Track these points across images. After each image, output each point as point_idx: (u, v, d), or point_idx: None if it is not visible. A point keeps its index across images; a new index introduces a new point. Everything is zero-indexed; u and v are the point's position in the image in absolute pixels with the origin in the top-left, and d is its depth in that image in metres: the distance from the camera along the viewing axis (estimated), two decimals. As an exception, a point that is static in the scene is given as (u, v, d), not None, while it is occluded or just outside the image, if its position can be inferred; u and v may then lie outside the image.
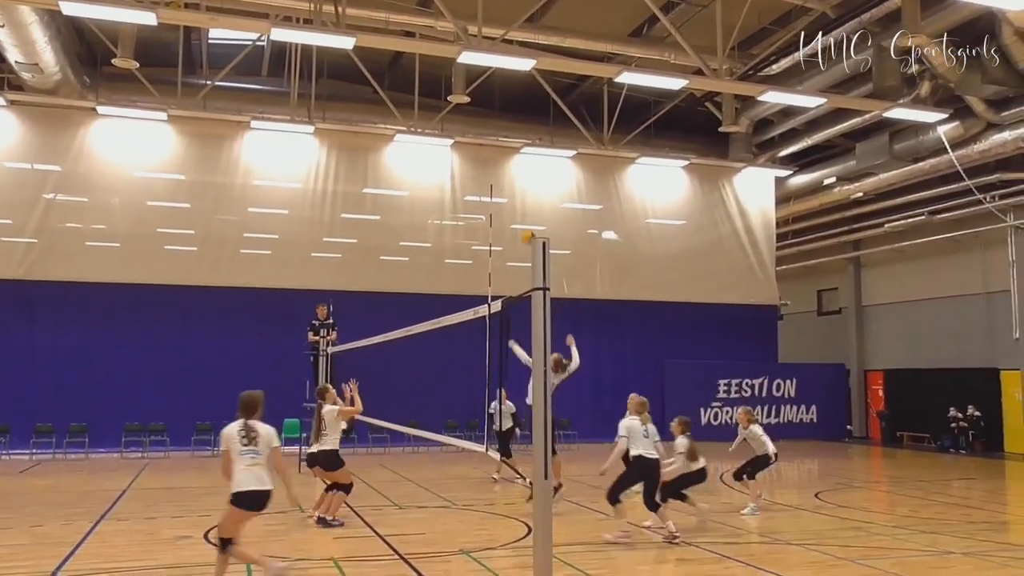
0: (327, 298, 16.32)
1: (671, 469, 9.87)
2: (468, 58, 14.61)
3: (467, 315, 7.43)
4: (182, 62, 18.91)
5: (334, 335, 15.38)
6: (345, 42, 13.86)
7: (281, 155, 20.46)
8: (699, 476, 10.09)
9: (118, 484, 13.58)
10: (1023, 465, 19.09)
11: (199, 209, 19.80)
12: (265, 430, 6.61)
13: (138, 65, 17.02)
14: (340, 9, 14.20)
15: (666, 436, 9.86)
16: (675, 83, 16.07)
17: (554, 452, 10.57)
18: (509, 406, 13.86)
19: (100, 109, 18.84)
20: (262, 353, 18.86)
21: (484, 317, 6.99)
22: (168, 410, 18.63)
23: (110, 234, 19.20)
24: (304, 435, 18.04)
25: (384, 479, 14.80)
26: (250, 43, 18.72)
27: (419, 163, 21.45)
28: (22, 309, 18.62)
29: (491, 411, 13.61)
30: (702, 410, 22.89)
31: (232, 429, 6.56)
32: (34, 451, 17.79)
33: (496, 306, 6.74)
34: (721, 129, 20.69)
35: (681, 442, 10.01)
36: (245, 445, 6.50)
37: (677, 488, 9.99)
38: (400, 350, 13.11)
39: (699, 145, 24.01)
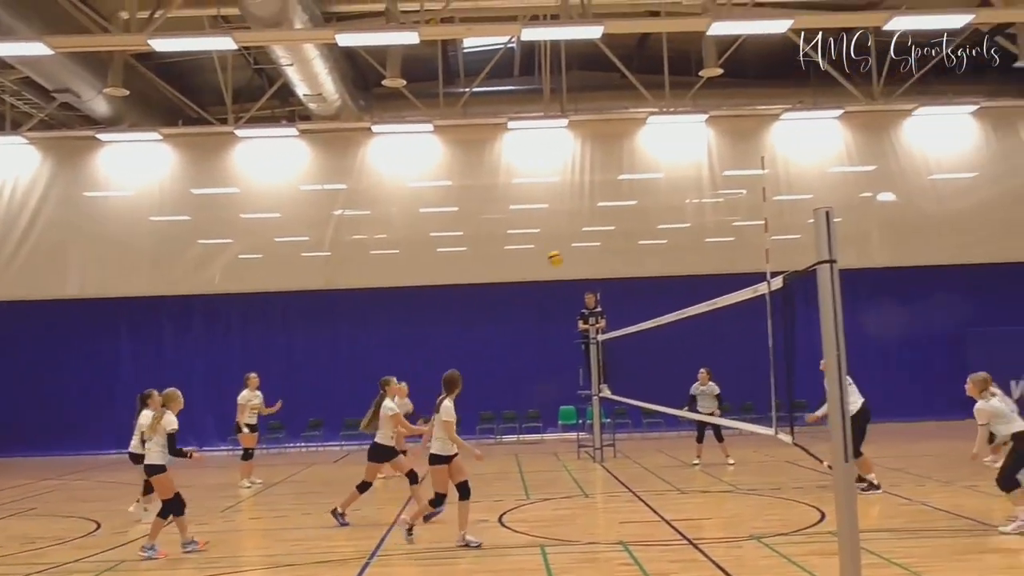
0: (594, 287, 16.54)
1: None
2: (719, 28, 14.13)
3: (745, 294, 7.11)
4: (442, 74, 20.04)
5: (603, 323, 15.58)
6: (593, 32, 13.98)
7: (538, 151, 21.10)
8: None
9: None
10: None
11: (466, 211, 20.98)
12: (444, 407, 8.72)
13: (405, 83, 18.31)
14: (585, -1, 14.32)
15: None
16: (957, 20, 14.40)
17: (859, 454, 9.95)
18: (712, 387, 14.04)
19: (374, 128, 20.66)
20: (534, 343, 19.80)
21: (763, 296, 6.66)
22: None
23: (389, 242, 20.90)
24: (580, 421, 18.70)
25: (662, 463, 14.77)
26: (501, 46, 19.42)
27: (673, 143, 21.10)
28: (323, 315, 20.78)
29: (694, 392, 14.10)
30: (1013, 383, 20.29)
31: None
32: (345, 443, 19.83)
33: (777, 283, 6.39)
34: (1018, 64, 18.17)
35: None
36: None
37: None
38: (669, 335, 12.93)
39: (988, 87, 21.28)
